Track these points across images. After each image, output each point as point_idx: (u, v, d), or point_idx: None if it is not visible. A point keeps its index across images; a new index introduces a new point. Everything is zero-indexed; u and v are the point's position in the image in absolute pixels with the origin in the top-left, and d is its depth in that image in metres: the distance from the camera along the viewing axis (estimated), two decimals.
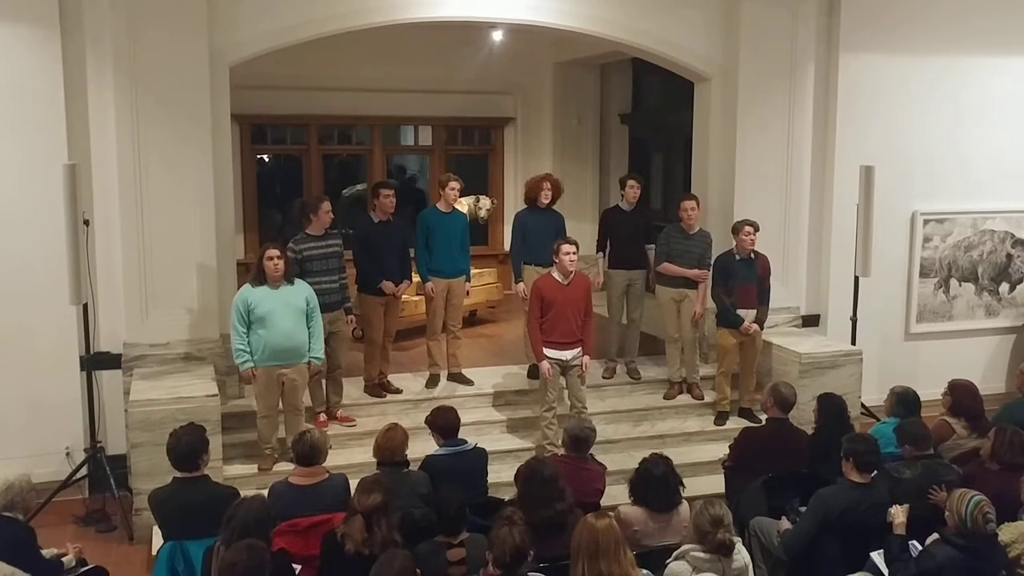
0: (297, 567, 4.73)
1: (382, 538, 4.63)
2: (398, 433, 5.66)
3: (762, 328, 8.00)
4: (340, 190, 12.11)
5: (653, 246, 8.33)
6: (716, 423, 8.04)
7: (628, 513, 5.12)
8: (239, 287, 7.14)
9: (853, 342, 8.59)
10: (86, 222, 6.83)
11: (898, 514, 5.11)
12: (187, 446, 5.25)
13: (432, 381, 8.14)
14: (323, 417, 7.47)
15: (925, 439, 5.76)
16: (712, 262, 8.05)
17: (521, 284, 8.06)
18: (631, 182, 8.38)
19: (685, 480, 5.35)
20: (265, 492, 5.40)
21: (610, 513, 4.38)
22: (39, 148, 7.01)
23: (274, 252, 6.74)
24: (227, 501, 4.84)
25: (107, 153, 7.17)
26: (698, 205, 8.09)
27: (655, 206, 11.23)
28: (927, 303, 9.44)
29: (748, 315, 7.89)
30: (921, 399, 6.53)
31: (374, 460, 5.75)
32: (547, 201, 8.18)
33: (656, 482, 5.13)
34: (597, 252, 8.61)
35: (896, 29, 8.88)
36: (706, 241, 8.12)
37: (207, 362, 7.35)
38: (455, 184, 8.03)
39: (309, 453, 5.40)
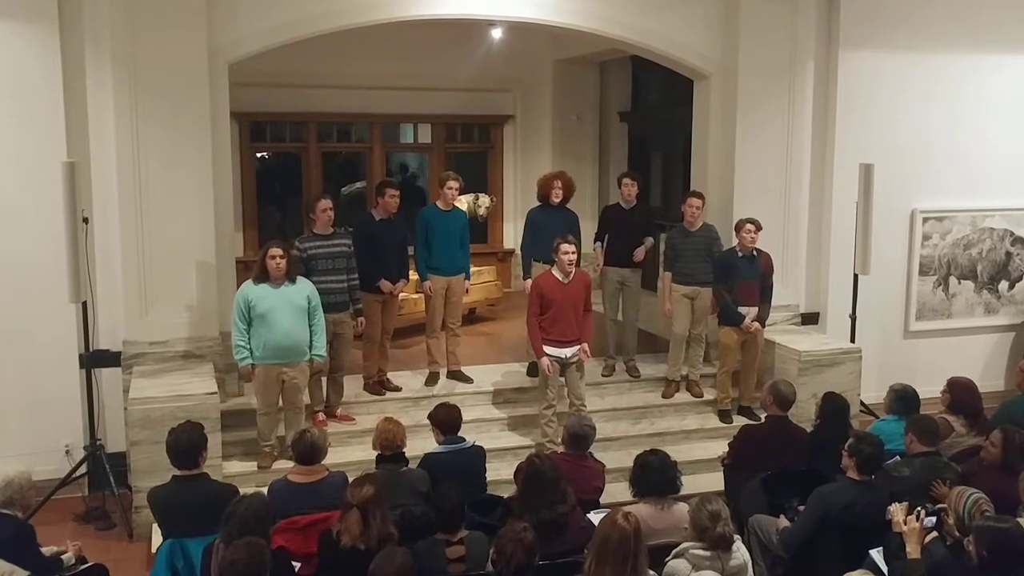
0: (296, 564, 4.74)
1: (378, 530, 4.64)
2: (396, 424, 5.71)
3: (764, 326, 8.02)
4: (340, 188, 12.12)
5: (650, 239, 8.37)
6: (723, 421, 8.04)
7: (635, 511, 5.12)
8: (238, 285, 7.14)
9: (852, 340, 8.59)
10: (85, 220, 6.82)
11: (897, 512, 5.10)
12: (186, 443, 5.25)
13: (431, 379, 8.14)
14: (322, 416, 7.47)
15: (932, 435, 5.74)
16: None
17: (529, 280, 8.07)
18: (627, 180, 8.41)
19: (684, 478, 5.37)
20: (264, 490, 5.41)
21: (631, 514, 4.36)
22: (38, 146, 7.01)
23: (277, 251, 6.74)
24: (226, 499, 4.83)
25: (106, 151, 7.17)
26: (703, 203, 8.10)
27: (654, 204, 11.24)
28: (926, 301, 9.44)
29: (749, 312, 7.90)
30: (920, 397, 6.52)
31: (373, 459, 5.78)
32: (558, 199, 8.19)
33: (654, 465, 5.16)
34: (594, 243, 8.63)
35: (896, 26, 8.89)
36: (711, 235, 8.13)
37: (206, 360, 7.35)
38: (454, 183, 8.03)
39: (309, 452, 5.41)
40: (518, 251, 9.46)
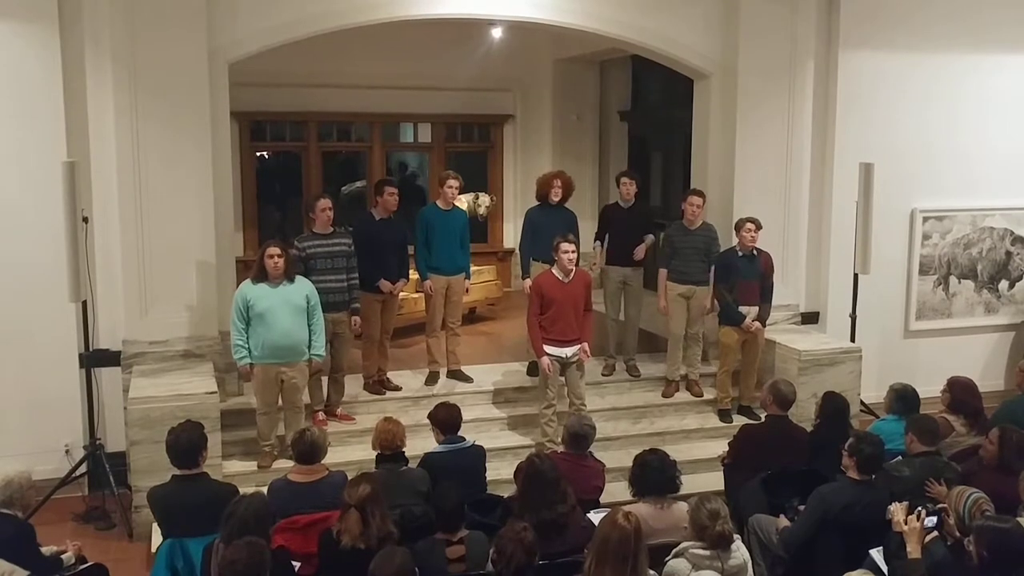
0: (296, 564, 4.74)
1: (377, 528, 4.65)
2: (395, 424, 5.71)
3: (764, 325, 8.01)
4: (340, 187, 12.11)
5: (650, 236, 8.36)
6: (723, 420, 8.04)
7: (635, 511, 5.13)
8: (238, 284, 7.14)
9: (852, 339, 8.59)
10: (85, 219, 6.82)
11: (897, 511, 5.10)
12: (186, 443, 5.25)
13: (431, 378, 8.14)
14: (322, 415, 7.46)
15: (932, 435, 5.74)
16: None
17: (528, 280, 8.06)
18: (625, 179, 8.41)
19: (684, 478, 5.37)
20: (264, 489, 5.41)
21: (632, 514, 4.36)
22: (38, 145, 7.01)
23: (274, 250, 6.74)
24: (226, 498, 4.84)
25: (106, 150, 7.17)
26: (703, 201, 8.10)
27: (654, 203, 11.24)
28: (926, 300, 9.44)
29: (750, 312, 7.90)
30: (920, 396, 6.53)
31: (373, 458, 5.78)
32: (557, 199, 8.18)
33: (653, 465, 5.18)
34: (594, 242, 8.63)
35: (896, 26, 8.88)
36: (710, 235, 8.13)
37: (206, 359, 7.35)
38: (454, 182, 8.02)
39: (309, 451, 5.41)
40: (518, 250, 9.46)
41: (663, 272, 8.19)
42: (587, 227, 8.88)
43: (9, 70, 6.97)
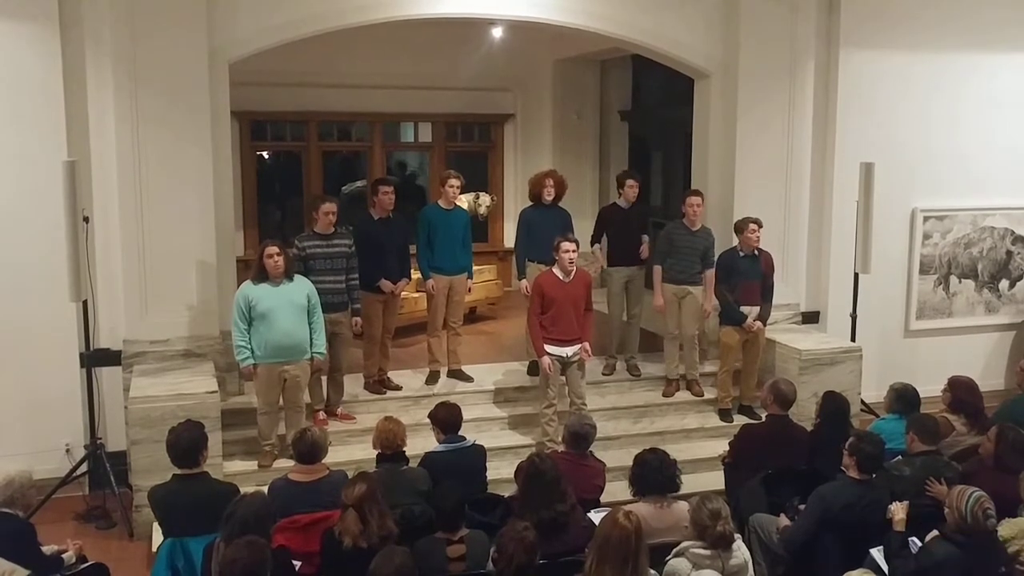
0: (297, 563, 4.75)
1: (377, 527, 4.66)
2: (396, 423, 5.71)
3: (765, 325, 8.01)
4: (340, 187, 12.12)
5: (647, 237, 8.36)
6: (723, 420, 8.04)
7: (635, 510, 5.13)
8: (239, 284, 7.15)
9: (853, 339, 8.59)
10: (86, 219, 6.82)
11: (898, 511, 5.11)
12: (187, 442, 5.26)
13: (432, 378, 8.14)
14: (322, 415, 7.47)
15: (932, 435, 5.75)
16: (715, 259, 8.05)
17: (524, 281, 8.05)
18: (630, 181, 8.38)
19: (685, 477, 5.37)
20: (265, 489, 5.42)
21: (632, 513, 4.35)
22: (39, 145, 7.01)
23: (273, 250, 6.74)
24: (227, 498, 4.84)
25: (107, 150, 7.17)
26: (703, 201, 8.10)
27: (655, 203, 11.24)
28: (927, 300, 9.44)
29: (751, 312, 7.90)
30: (921, 395, 6.53)
31: (374, 457, 5.78)
32: (550, 198, 8.17)
33: (653, 464, 5.18)
34: (592, 244, 8.62)
35: (896, 25, 8.88)
36: (709, 239, 8.12)
37: (207, 359, 7.35)
38: (455, 181, 8.02)
39: (310, 452, 5.41)
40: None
41: (658, 269, 8.17)
42: (588, 226, 8.87)
43: (9, 70, 6.96)
